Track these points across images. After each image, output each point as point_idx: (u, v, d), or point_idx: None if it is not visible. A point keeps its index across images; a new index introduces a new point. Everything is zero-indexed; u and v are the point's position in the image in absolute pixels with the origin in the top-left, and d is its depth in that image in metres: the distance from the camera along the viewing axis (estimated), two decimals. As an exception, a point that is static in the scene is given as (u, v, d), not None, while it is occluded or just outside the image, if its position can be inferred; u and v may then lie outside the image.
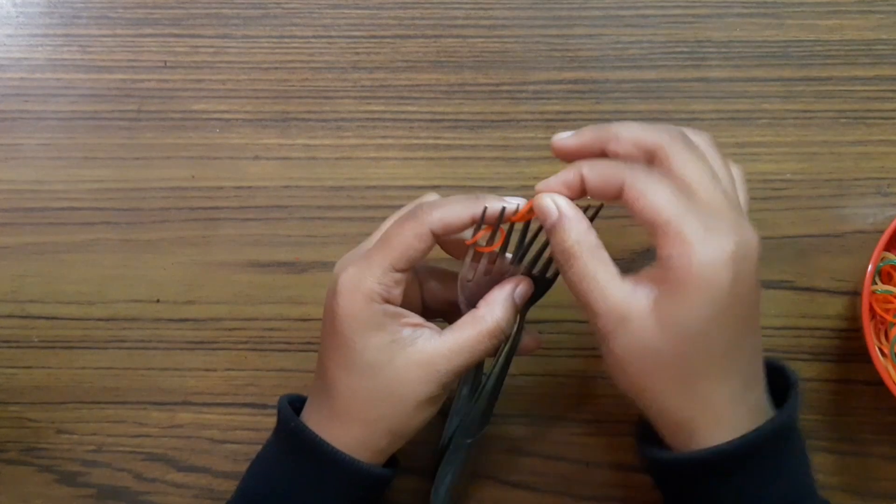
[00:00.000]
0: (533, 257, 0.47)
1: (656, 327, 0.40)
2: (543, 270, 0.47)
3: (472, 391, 0.49)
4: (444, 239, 0.46)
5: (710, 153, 0.43)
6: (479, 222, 0.44)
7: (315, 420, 0.46)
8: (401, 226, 0.44)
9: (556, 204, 0.42)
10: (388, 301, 0.44)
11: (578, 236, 0.42)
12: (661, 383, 0.41)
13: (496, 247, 0.45)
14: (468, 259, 0.46)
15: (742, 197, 0.44)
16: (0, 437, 0.56)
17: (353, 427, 0.45)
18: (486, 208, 0.44)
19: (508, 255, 0.47)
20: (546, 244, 0.45)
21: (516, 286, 0.46)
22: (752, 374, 0.42)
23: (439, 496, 0.50)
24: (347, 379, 0.45)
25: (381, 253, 0.44)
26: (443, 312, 0.49)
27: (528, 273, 0.47)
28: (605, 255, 0.41)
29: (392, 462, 0.48)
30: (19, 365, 0.56)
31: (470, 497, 0.55)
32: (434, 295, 0.49)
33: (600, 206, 0.45)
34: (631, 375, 0.41)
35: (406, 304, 0.46)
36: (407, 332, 0.45)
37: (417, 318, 0.45)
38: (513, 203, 0.44)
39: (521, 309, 0.47)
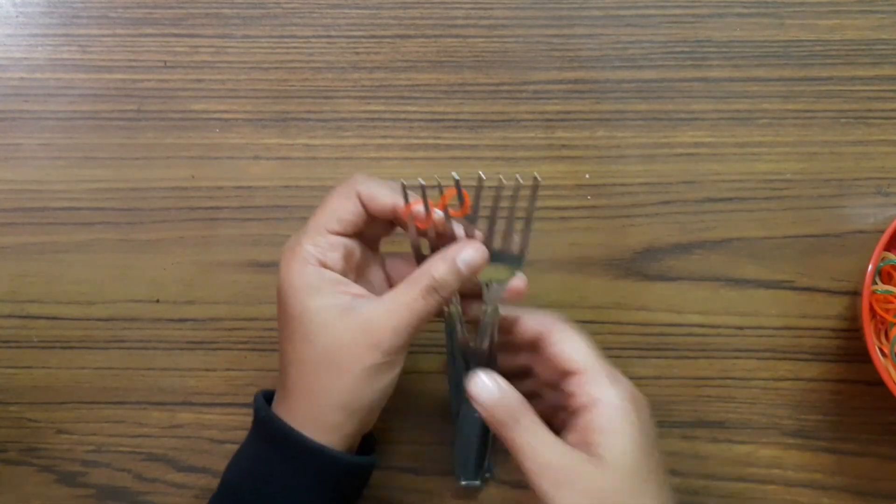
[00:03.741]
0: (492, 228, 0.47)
1: (599, 472, 0.43)
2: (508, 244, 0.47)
3: (469, 359, 0.49)
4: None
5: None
6: (404, 194, 0.45)
7: (276, 404, 0.47)
8: (331, 191, 0.47)
9: (496, 382, 0.45)
10: (324, 265, 0.45)
11: (521, 401, 0.45)
12: None
13: (427, 224, 0.46)
14: (411, 226, 0.46)
15: None
16: (0, 437, 0.56)
17: (303, 402, 0.45)
18: (402, 184, 0.45)
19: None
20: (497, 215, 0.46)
21: (462, 248, 0.46)
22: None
23: (462, 467, 0.50)
24: (292, 349, 0.45)
25: (313, 218, 0.46)
26: None
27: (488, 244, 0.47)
28: (539, 420, 0.45)
29: (372, 451, 0.48)
30: (19, 365, 0.56)
31: (471, 497, 0.55)
32: (404, 276, 0.48)
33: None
34: None
35: (372, 291, 0.47)
36: (347, 298, 0.45)
37: (360, 290, 0.46)
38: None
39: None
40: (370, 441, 0.49)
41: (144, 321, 0.56)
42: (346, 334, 0.44)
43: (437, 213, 0.45)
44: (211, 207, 0.57)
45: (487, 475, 0.51)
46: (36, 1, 0.58)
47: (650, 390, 0.55)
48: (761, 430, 0.55)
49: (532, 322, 0.47)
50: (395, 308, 0.44)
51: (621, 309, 0.55)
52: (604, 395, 0.44)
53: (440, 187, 0.45)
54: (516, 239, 0.47)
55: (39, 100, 0.57)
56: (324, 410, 0.45)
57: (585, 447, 0.43)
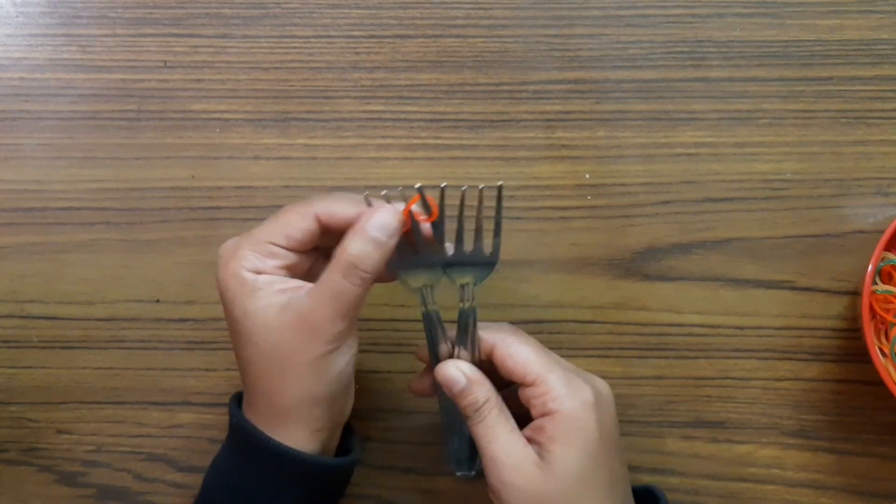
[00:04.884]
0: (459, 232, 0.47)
1: (544, 476, 0.44)
2: (479, 250, 0.47)
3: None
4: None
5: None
6: (367, 204, 0.45)
7: (245, 405, 0.47)
8: (289, 205, 0.46)
9: (461, 371, 0.46)
10: (260, 272, 0.45)
11: (488, 394, 0.46)
12: None
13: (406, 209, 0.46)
14: None
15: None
16: (0, 437, 0.56)
17: (263, 402, 0.45)
18: (366, 196, 0.45)
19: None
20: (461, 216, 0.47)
21: (371, 216, 0.44)
22: (627, 500, 0.47)
23: (455, 459, 0.50)
24: (242, 351, 0.45)
25: (261, 226, 0.46)
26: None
27: (459, 250, 0.47)
28: (506, 411, 0.46)
29: (352, 453, 0.48)
30: (19, 365, 0.56)
31: (471, 497, 0.55)
32: None
33: None
34: None
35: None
36: (285, 296, 0.44)
37: (294, 283, 0.45)
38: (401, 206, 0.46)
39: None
40: (352, 440, 0.49)
41: (144, 321, 0.56)
42: (284, 331, 0.44)
43: (399, 207, 0.45)
44: (211, 207, 0.57)
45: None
46: (36, 1, 0.58)
47: (650, 390, 0.55)
48: (761, 430, 0.55)
49: (483, 335, 0.47)
50: (323, 296, 0.44)
51: (621, 309, 0.55)
52: (557, 406, 0.44)
53: (404, 197, 0.46)
54: (487, 242, 0.47)
55: (39, 100, 0.57)
56: (282, 409, 0.45)
57: (539, 446, 0.45)
